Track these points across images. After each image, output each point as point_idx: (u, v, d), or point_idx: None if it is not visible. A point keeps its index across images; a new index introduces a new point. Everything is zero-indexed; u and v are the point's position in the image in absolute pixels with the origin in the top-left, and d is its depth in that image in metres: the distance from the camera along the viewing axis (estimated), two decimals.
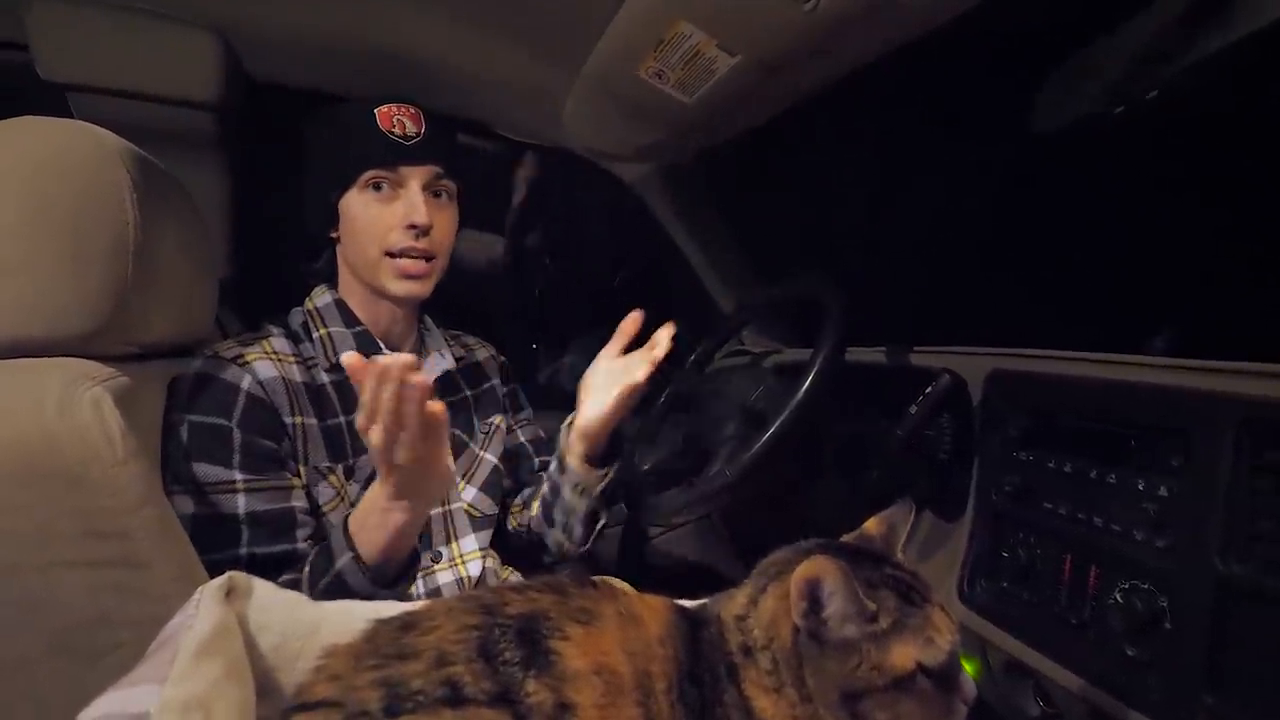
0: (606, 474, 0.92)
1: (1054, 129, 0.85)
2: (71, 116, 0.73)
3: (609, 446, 0.92)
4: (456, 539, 0.95)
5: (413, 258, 0.87)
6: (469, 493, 0.97)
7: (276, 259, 1.08)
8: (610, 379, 0.88)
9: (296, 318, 0.91)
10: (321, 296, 0.92)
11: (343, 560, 0.71)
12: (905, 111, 1.27)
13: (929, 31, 0.80)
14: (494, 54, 1.04)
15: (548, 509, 0.97)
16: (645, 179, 1.33)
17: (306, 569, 0.74)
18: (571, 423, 0.92)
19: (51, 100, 0.94)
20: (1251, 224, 0.91)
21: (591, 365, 0.92)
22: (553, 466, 0.96)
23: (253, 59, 1.03)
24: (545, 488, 0.98)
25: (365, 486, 0.85)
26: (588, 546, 0.98)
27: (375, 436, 0.64)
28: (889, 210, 1.45)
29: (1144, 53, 0.71)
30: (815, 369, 0.84)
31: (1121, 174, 1.04)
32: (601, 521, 0.96)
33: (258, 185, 1.13)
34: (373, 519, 0.72)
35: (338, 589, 0.70)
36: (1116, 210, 1.08)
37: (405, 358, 0.62)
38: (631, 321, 0.90)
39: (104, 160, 0.58)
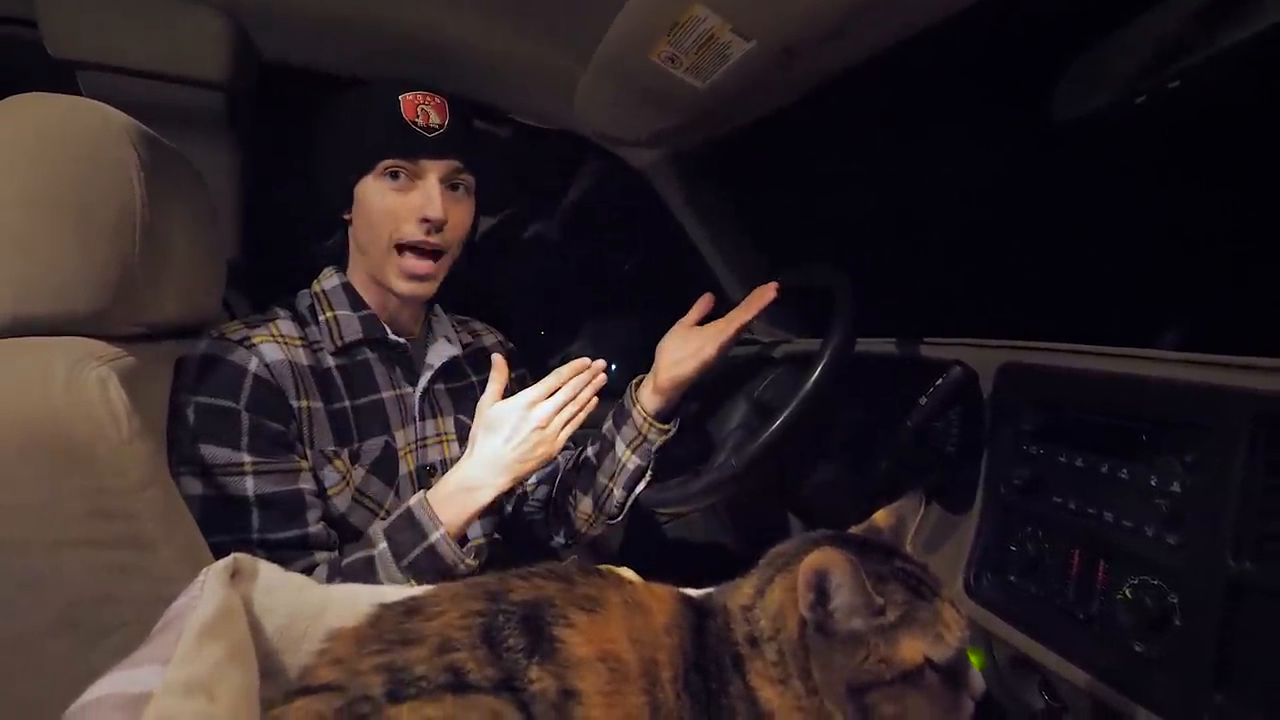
0: (668, 429, 0.98)
1: (1072, 118, 0.84)
2: (80, 94, 0.72)
3: (676, 404, 1.00)
4: None
5: (422, 253, 0.87)
6: None
7: (284, 240, 1.08)
8: (690, 344, 0.96)
9: (303, 300, 0.91)
10: (329, 279, 0.92)
11: (436, 535, 0.80)
12: (920, 100, 1.25)
13: (946, 18, 0.78)
14: (505, 36, 1.03)
15: (588, 474, 1.02)
16: (656, 165, 1.31)
17: (383, 545, 0.79)
18: (639, 383, 1.00)
19: (60, 77, 0.93)
20: (1271, 217, 0.89)
21: (670, 332, 1.00)
22: (607, 426, 1.02)
23: (263, 39, 1.02)
24: (589, 451, 1.04)
25: (371, 470, 0.85)
26: (620, 518, 1.02)
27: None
28: (902, 199, 1.43)
29: (1166, 42, 0.70)
30: (824, 359, 0.84)
31: (1140, 165, 1.02)
32: (645, 481, 1.00)
33: (267, 166, 1.13)
34: (460, 497, 0.82)
35: (427, 562, 0.79)
36: (1133, 202, 1.07)
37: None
38: (708, 299, 1.02)
39: (111, 138, 0.57)
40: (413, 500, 0.82)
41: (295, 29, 1.03)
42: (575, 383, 0.87)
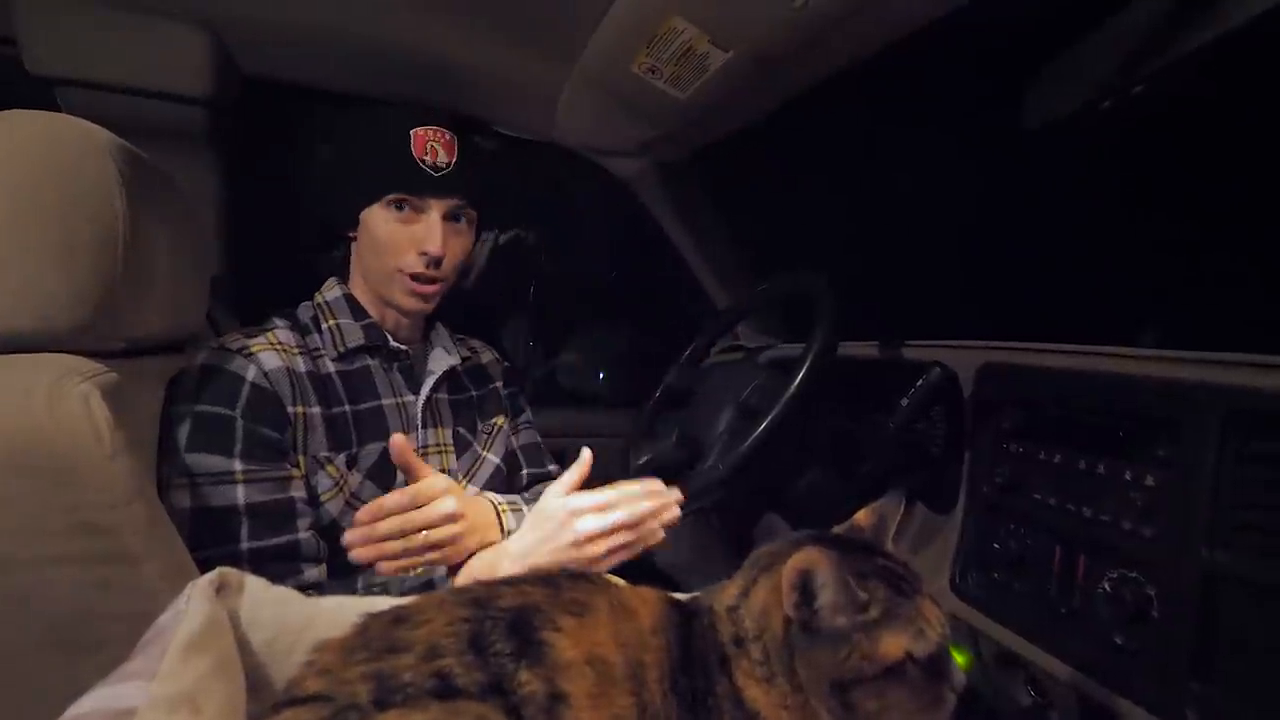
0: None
1: (1042, 124, 0.86)
2: (60, 111, 0.72)
3: None
4: None
5: (421, 281, 0.89)
6: (471, 492, 0.97)
7: (268, 254, 1.08)
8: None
9: (305, 311, 0.93)
10: (331, 290, 0.94)
11: None
12: (896, 108, 1.27)
13: (918, 29, 0.80)
14: (488, 49, 1.04)
15: None
16: (640, 175, 1.33)
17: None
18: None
19: (40, 95, 0.93)
20: (1237, 217, 0.92)
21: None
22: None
23: (244, 53, 1.02)
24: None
25: (368, 476, 0.85)
26: None
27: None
28: (881, 205, 1.45)
29: (1130, 48, 0.72)
30: (807, 364, 0.85)
31: (1108, 168, 1.05)
32: None
33: (249, 180, 1.13)
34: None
35: None
36: (1104, 204, 1.09)
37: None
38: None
39: (92, 154, 0.57)
40: (437, 574, 0.78)
41: (276, 43, 1.03)
42: (637, 507, 0.74)
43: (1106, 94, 0.71)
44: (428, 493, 0.72)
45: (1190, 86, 0.67)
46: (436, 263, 0.88)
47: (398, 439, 0.73)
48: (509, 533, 0.81)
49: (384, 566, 0.71)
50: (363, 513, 0.71)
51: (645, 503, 0.75)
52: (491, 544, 0.79)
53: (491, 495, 0.86)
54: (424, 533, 0.71)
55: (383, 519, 0.70)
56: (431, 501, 0.72)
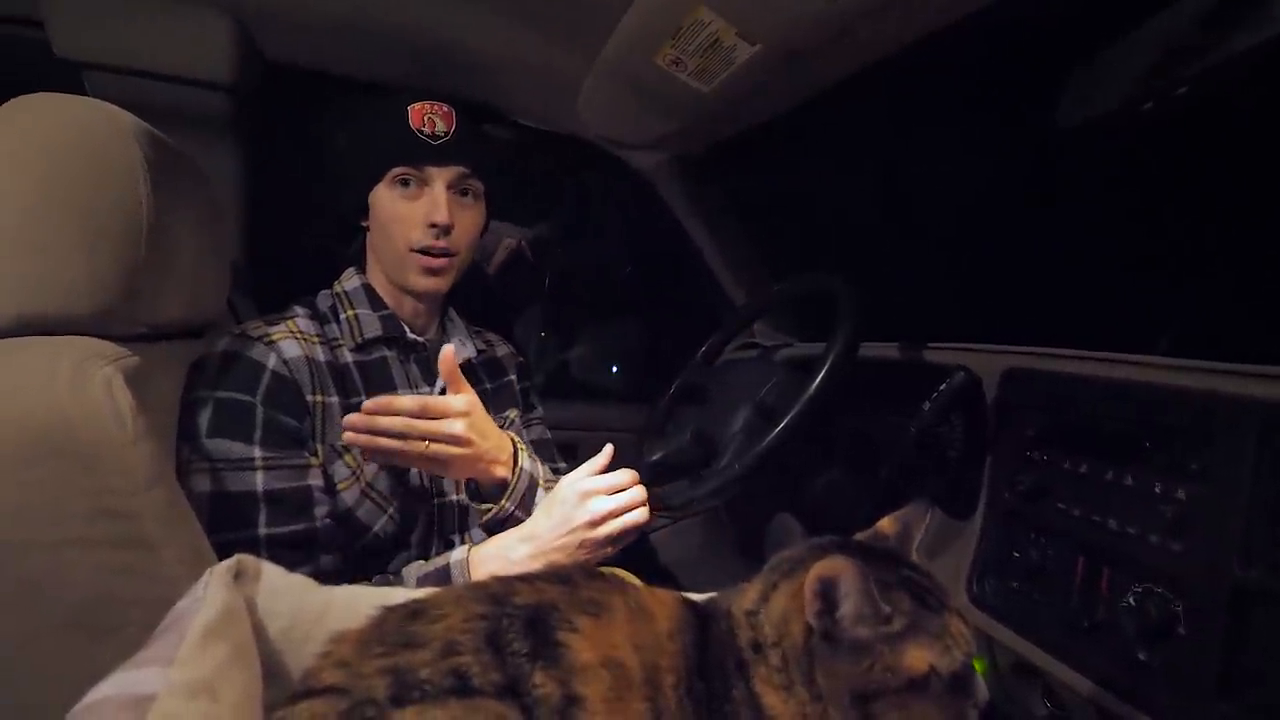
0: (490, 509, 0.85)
1: (1077, 124, 0.84)
2: (86, 95, 0.72)
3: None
4: (469, 530, 0.95)
5: (434, 255, 0.89)
6: None
7: (289, 241, 1.08)
8: None
9: (324, 300, 0.93)
10: (350, 280, 0.94)
11: None
12: (925, 105, 1.25)
13: (951, 23, 0.78)
14: (510, 38, 1.03)
15: None
16: (660, 168, 1.31)
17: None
18: None
19: (67, 78, 0.94)
20: (1277, 225, 0.89)
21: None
22: None
23: (267, 40, 1.03)
24: None
25: (383, 467, 0.85)
26: None
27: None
28: (906, 204, 1.43)
29: (1173, 48, 0.70)
30: (827, 364, 0.84)
31: (1146, 171, 1.02)
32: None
33: (271, 167, 1.13)
34: (498, 564, 0.76)
35: None
36: (1139, 208, 1.07)
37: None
38: None
39: (118, 138, 0.57)
40: (454, 556, 0.79)
41: (299, 31, 1.03)
42: (640, 490, 0.80)
43: (1148, 94, 0.69)
44: (440, 407, 0.76)
45: (1236, 90, 0.65)
46: (445, 231, 0.87)
47: (447, 350, 0.77)
48: (521, 470, 0.84)
49: (371, 454, 0.75)
50: (371, 403, 0.73)
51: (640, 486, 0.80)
52: (500, 479, 0.82)
53: (515, 435, 0.88)
54: (426, 443, 0.74)
55: (389, 416, 0.73)
56: (444, 418, 0.75)
